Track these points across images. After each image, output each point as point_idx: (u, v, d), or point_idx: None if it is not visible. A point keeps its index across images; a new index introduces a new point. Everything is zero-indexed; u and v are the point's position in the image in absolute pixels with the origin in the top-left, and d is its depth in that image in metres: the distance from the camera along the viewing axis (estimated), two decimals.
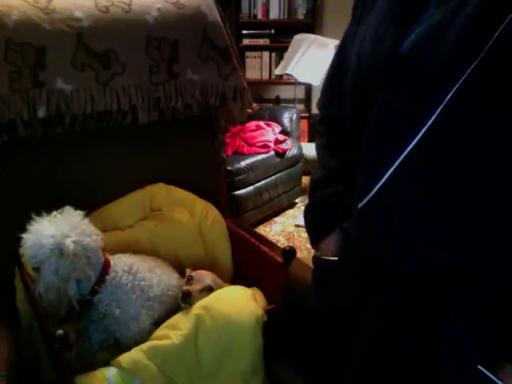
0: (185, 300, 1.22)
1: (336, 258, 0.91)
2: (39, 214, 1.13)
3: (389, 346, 0.79)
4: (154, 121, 1.53)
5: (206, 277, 1.30)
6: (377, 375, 0.82)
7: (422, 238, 0.71)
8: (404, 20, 0.70)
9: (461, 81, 0.62)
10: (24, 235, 1.10)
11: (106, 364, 1.10)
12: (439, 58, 0.64)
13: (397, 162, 0.69)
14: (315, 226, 0.98)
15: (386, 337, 0.79)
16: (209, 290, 1.27)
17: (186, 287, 1.26)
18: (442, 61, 0.64)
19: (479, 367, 0.69)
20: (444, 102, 0.63)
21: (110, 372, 1.06)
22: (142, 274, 1.26)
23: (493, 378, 0.67)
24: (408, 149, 0.67)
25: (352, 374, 0.85)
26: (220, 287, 1.32)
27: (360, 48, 0.77)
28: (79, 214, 1.16)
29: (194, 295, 1.23)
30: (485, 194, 0.66)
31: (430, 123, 0.65)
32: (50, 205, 1.16)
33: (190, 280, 1.29)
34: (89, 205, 1.27)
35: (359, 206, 0.76)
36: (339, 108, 0.87)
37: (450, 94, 0.63)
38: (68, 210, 1.16)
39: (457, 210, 0.68)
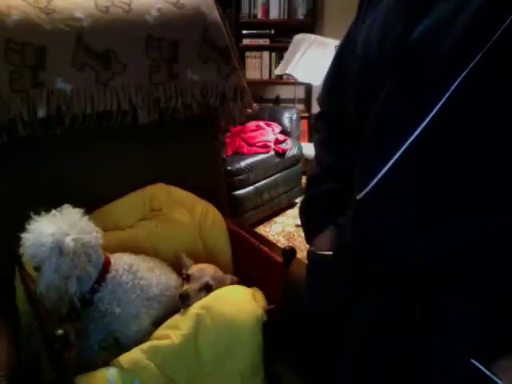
0: (183, 301, 1.22)
1: (331, 253, 0.91)
2: (38, 214, 1.13)
3: (381, 343, 0.79)
4: (153, 121, 1.53)
5: (204, 273, 1.29)
6: (369, 372, 0.82)
7: (419, 232, 0.71)
8: (414, 11, 0.70)
9: (466, 71, 0.62)
10: (23, 235, 1.10)
11: (106, 364, 1.10)
12: (446, 48, 0.64)
13: (398, 153, 0.68)
14: (310, 221, 0.98)
15: (379, 333, 0.79)
16: (207, 287, 1.27)
17: (184, 287, 1.26)
18: (449, 51, 0.64)
19: (473, 361, 0.68)
20: (449, 92, 0.63)
21: (110, 372, 1.06)
22: (142, 273, 1.26)
23: (486, 371, 0.67)
24: (410, 139, 0.67)
25: (345, 370, 0.85)
26: (221, 280, 1.32)
27: (367, 37, 0.77)
28: (78, 211, 1.16)
29: (192, 296, 1.23)
30: (486, 189, 0.66)
31: (433, 113, 0.65)
32: (50, 205, 1.16)
33: (188, 279, 1.29)
34: (89, 205, 1.26)
35: (358, 197, 0.75)
36: (340, 104, 0.87)
37: (455, 84, 0.63)
38: (67, 208, 1.16)
39: (456, 204, 0.68)
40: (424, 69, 0.67)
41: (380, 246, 0.76)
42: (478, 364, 0.68)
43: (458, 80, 0.62)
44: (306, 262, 1.00)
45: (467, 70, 0.62)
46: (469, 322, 0.70)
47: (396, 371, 0.78)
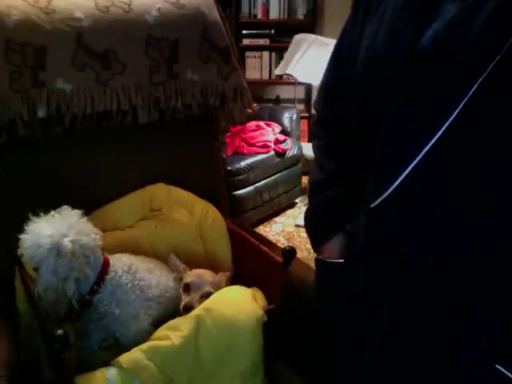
0: (186, 312, 1.21)
1: (342, 261, 0.90)
2: (37, 214, 1.13)
3: (400, 351, 0.78)
4: (153, 121, 1.53)
5: (204, 281, 1.28)
6: (388, 380, 0.81)
7: (437, 238, 0.70)
8: (422, 15, 0.69)
9: (483, 76, 0.61)
10: (22, 236, 1.09)
11: (106, 364, 1.10)
12: (463, 53, 0.63)
13: (415, 161, 0.67)
14: (317, 228, 0.97)
15: (397, 341, 0.78)
16: (208, 295, 1.26)
17: (185, 298, 1.25)
18: (467, 55, 0.63)
19: (497, 366, 0.68)
20: (467, 97, 0.62)
21: (110, 372, 1.06)
22: (141, 274, 1.26)
23: (511, 376, 0.67)
24: (427, 147, 0.66)
25: (363, 379, 0.84)
26: (218, 284, 1.31)
27: (372, 43, 0.76)
28: (77, 213, 1.16)
29: (196, 307, 1.22)
30: (505, 194, 0.65)
31: (450, 120, 0.64)
32: (50, 205, 1.16)
33: (187, 289, 1.27)
34: (89, 205, 1.26)
35: (372, 205, 0.74)
36: (339, 108, 0.86)
37: (473, 89, 0.61)
38: (65, 209, 1.16)
39: (475, 211, 0.67)
40: (438, 75, 0.66)
41: (394, 253, 0.74)
42: (502, 369, 0.67)
43: (479, 82, 0.61)
44: (313, 267, 0.99)
45: (485, 75, 0.60)
46: (492, 327, 0.69)
47: (415, 380, 0.77)
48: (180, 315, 1.23)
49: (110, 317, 1.19)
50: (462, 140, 0.65)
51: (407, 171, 0.68)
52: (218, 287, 1.30)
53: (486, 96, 0.62)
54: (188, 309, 1.22)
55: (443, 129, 0.64)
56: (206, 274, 1.31)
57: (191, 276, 1.30)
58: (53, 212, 1.15)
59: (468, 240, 0.68)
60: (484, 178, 0.65)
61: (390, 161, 0.72)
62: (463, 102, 0.62)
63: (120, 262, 1.24)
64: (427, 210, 0.69)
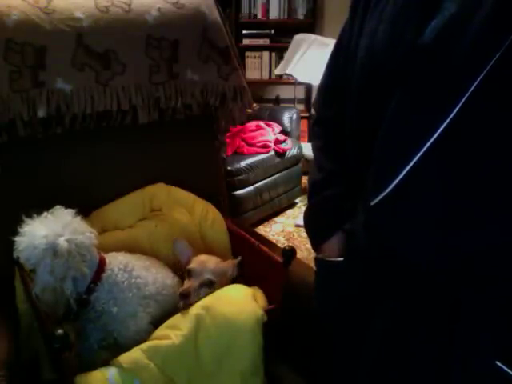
0: (184, 299, 1.22)
1: (341, 259, 0.90)
2: (30, 216, 1.12)
3: (400, 349, 0.78)
4: (153, 121, 1.53)
5: (205, 268, 1.28)
6: (388, 378, 0.81)
7: (437, 234, 0.70)
8: (423, 12, 0.69)
9: (485, 71, 0.60)
10: (16, 238, 1.09)
11: (106, 364, 1.10)
12: (463, 49, 0.63)
13: (416, 158, 0.67)
14: (316, 228, 0.97)
15: (398, 339, 0.78)
16: (208, 283, 1.26)
17: (185, 283, 1.25)
18: (467, 52, 0.63)
19: (497, 363, 0.68)
20: (467, 94, 0.62)
21: (110, 372, 1.06)
22: (138, 271, 1.26)
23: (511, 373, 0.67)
24: (428, 144, 0.66)
25: (362, 376, 0.85)
26: (222, 273, 1.31)
27: (371, 41, 0.76)
28: (70, 212, 1.16)
29: (193, 294, 1.22)
30: (504, 191, 0.65)
31: (451, 117, 0.64)
32: (50, 205, 1.16)
33: (189, 274, 1.27)
34: (89, 205, 1.26)
35: (372, 203, 0.74)
36: (339, 108, 0.86)
37: (474, 85, 0.61)
38: (59, 209, 1.16)
39: (477, 208, 0.66)
40: (439, 72, 0.66)
41: (395, 250, 0.74)
42: (503, 366, 0.67)
43: (477, 82, 0.61)
44: (313, 267, 0.99)
45: (485, 71, 0.60)
46: (493, 324, 0.69)
47: (416, 377, 0.77)
48: (179, 310, 1.23)
49: (108, 315, 1.19)
50: (462, 137, 0.65)
51: (408, 168, 0.68)
52: (221, 275, 1.30)
53: (486, 92, 0.61)
54: (184, 296, 1.21)
55: (444, 126, 0.64)
56: (209, 262, 1.31)
57: (195, 262, 1.30)
58: (46, 213, 1.14)
59: (468, 236, 0.68)
60: (485, 174, 0.65)
61: (390, 158, 0.72)
62: (464, 99, 0.62)
63: (116, 261, 1.24)
64: (428, 207, 0.69)
